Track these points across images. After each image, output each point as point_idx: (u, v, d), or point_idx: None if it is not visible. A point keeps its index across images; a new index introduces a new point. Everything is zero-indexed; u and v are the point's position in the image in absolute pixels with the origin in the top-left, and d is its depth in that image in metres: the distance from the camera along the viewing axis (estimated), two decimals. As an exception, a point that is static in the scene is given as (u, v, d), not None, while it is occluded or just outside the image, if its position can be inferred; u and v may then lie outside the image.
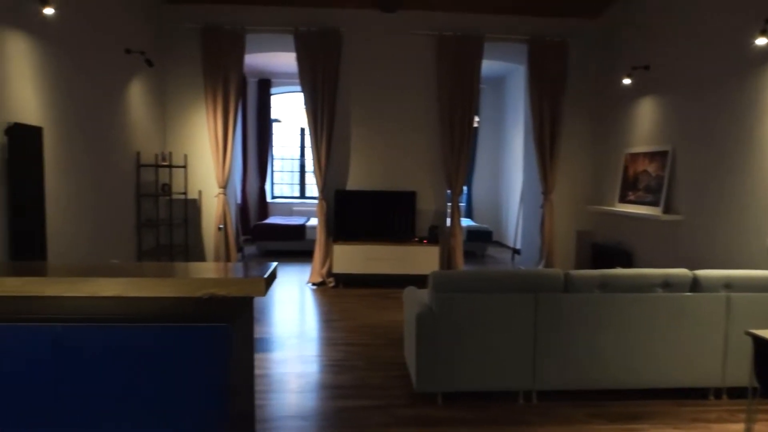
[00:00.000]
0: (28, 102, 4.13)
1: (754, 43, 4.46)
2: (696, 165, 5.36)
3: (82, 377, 2.18)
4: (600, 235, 7.26)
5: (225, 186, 6.87)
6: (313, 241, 7.45)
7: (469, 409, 3.43)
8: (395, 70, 7.11)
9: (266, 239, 9.31)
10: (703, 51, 5.29)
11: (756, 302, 3.52)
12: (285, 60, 9.27)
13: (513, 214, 10.52)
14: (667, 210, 5.76)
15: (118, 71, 5.78)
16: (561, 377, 3.46)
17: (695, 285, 3.55)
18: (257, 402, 3.36)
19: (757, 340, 2.82)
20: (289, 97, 11.62)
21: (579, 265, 7.52)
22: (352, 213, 7.01)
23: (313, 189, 11.38)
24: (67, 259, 4.56)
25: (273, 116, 11.39)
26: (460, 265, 7.06)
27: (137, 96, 6.23)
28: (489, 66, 8.32)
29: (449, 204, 7.27)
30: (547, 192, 7.18)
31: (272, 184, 11.76)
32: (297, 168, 11.83)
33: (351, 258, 6.73)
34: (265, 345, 4.58)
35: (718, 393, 3.62)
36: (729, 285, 3.55)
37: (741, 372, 3.55)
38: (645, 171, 6.15)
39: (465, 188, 10.35)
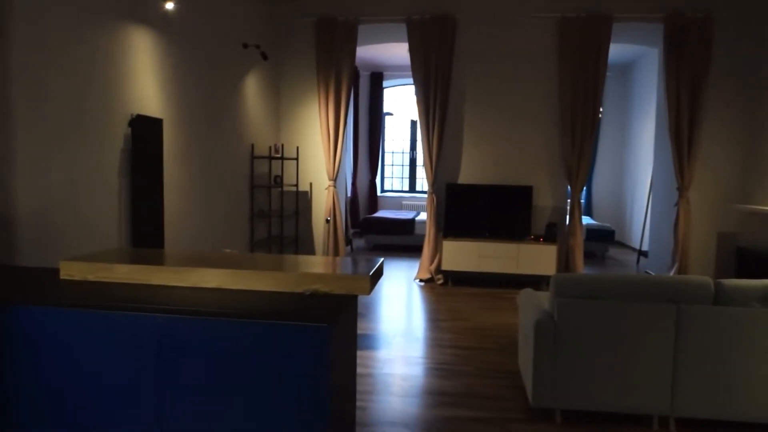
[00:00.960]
0: (150, 94, 4.27)
1: None
2: None
3: (178, 371, 2.10)
4: (748, 238, 6.38)
5: (335, 179, 6.84)
6: (422, 236, 7.24)
7: (593, 431, 3.04)
8: (512, 57, 6.69)
9: (375, 233, 9.24)
10: None
11: None
12: (397, 52, 9.14)
13: (639, 212, 9.65)
14: (837, 211, 4.89)
15: (235, 65, 5.90)
16: (706, 404, 2.96)
17: None
18: (359, 404, 3.19)
19: None
20: (401, 90, 11.49)
21: (720, 273, 6.68)
22: (464, 208, 6.70)
23: (423, 183, 11.18)
24: (183, 247, 4.70)
25: (385, 110, 11.33)
26: (580, 266, 6.52)
27: (252, 89, 6.35)
28: (615, 51, 7.62)
29: (569, 200, 6.74)
30: (683, 188, 6.42)
31: (383, 177, 11.72)
32: (407, 162, 11.69)
33: (461, 255, 6.43)
34: (369, 342, 4.43)
35: None
36: None
37: None
38: (808, 165, 5.27)
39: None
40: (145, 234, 4.11)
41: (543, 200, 6.74)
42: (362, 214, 10.73)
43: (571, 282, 3.00)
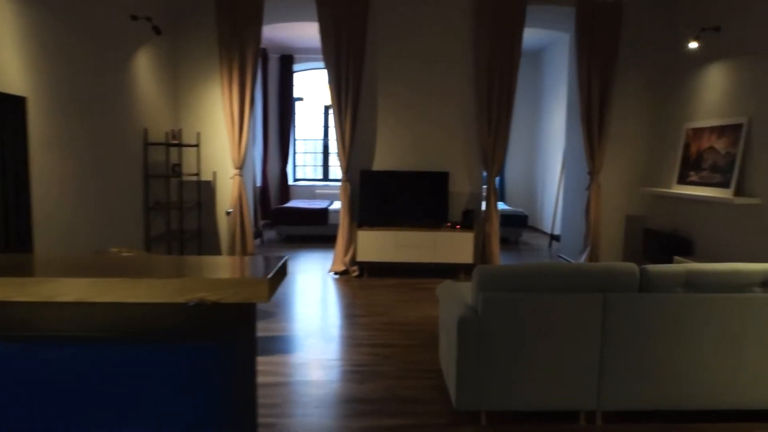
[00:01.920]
0: (10, 69, 3.61)
1: None
2: (777, 140, 4.62)
3: (33, 400, 1.65)
4: (654, 220, 6.54)
5: (241, 167, 6.34)
6: (336, 226, 6.89)
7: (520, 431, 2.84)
8: (428, 39, 6.45)
9: (287, 224, 8.79)
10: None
11: None
12: (308, 33, 8.68)
13: (550, 197, 9.81)
14: (739, 192, 5.04)
15: (123, 39, 5.24)
16: (632, 395, 2.84)
17: (804, 284, 2.88)
18: (266, 421, 2.82)
19: None
20: (313, 74, 11.03)
21: (629, 255, 6.82)
22: (379, 196, 6.42)
23: (337, 171, 10.82)
24: (61, 249, 4.08)
25: (296, 95, 10.83)
26: (497, 253, 6.43)
27: (145, 67, 5.70)
28: (527, 37, 7.57)
29: (484, 186, 6.63)
30: (594, 172, 6.47)
31: (294, 166, 11.23)
32: (320, 149, 11.28)
33: (377, 245, 6.15)
34: (279, 345, 4.05)
35: (826, 415, 2.96)
36: None
37: None
38: (711, 148, 5.41)
39: (499, 170, 9.63)
40: (6, 236, 3.48)
41: (459, 186, 6.58)
42: (273, 204, 10.22)
43: (496, 274, 2.77)
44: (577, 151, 7.06)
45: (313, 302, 5.37)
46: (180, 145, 6.00)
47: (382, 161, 6.54)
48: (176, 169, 6.04)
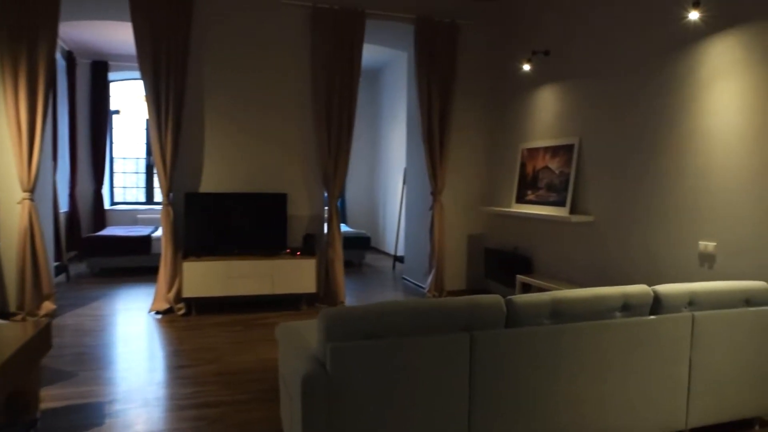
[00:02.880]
0: None
1: (686, 17, 3.91)
2: (607, 159, 4.78)
3: None
4: (494, 239, 6.59)
5: (32, 189, 5.19)
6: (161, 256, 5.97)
7: (381, 504, 2.37)
8: (261, 52, 5.87)
9: (101, 255, 7.55)
10: (612, 33, 4.72)
11: (720, 320, 2.86)
12: (124, 37, 7.65)
13: (392, 217, 9.69)
14: (573, 210, 5.16)
15: None
16: (502, 441, 2.52)
17: (657, 305, 2.80)
18: None
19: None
20: (133, 85, 9.84)
21: (473, 275, 6.81)
22: (207, 221, 5.65)
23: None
24: None
25: (112, 107, 9.55)
26: (341, 280, 6.00)
27: None
28: (365, 56, 7.37)
29: (326, 208, 6.19)
30: (436, 192, 6.36)
31: (112, 187, 9.87)
32: (143, 168, 10.06)
33: (206, 277, 5.38)
34: (74, 419, 3.17)
35: (680, 439, 2.91)
36: (692, 302, 2.86)
37: (706, 411, 2.87)
38: (546, 167, 5.53)
39: (340, 190, 9.28)
40: None
41: (299, 209, 6.06)
42: (85, 232, 8.82)
43: (346, 319, 2.28)
44: (419, 171, 6.94)
45: (126, 353, 4.44)
46: (-57, 163, 4.73)
47: (211, 182, 5.79)
48: (-62, 194, 4.74)
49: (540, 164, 5.63)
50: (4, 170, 5.24)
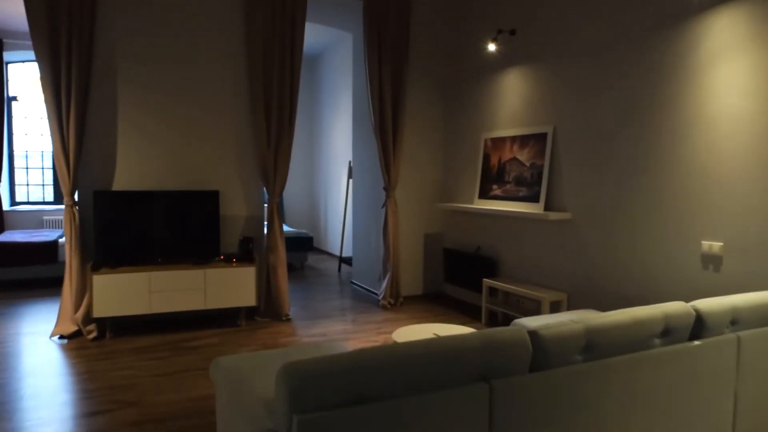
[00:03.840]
0: None
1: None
2: (587, 150, 4.27)
3: None
4: (454, 239, 6.01)
5: None
6: (63, 269, 4.99)
7: None
8: (186, 37, 4.97)
9: (-5, 265, 6.41)
10: (593, 6, 4.20)
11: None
12: (22, 9, 6.51)
13: (335, 215, 8.97)
14: (548, 207, 4.64)
15: None
16: None
17: (699, 326, 2.25)
18: None
19: None
20: (34, 67, 8.58)
21: (431, 280, 6.21)
22: (123, 225, 4.73)
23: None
24: None
25: (10, 93, 8.29)
26: (285, 289, 5.23)
27: None
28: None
29: (266, 206, 5.41)
30: (389, 188, 5.70)
31: (12, 185, 8.60)
32: (50, 164, 8.83)
33: (123, 292, 4.48)
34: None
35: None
36: (735, 321, 2.34)
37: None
38: (514, 159, 4.98)
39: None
40: None
41: (234, 208, 5.24)
42: (-23, 237, 7.56)
43: (320, 379, 1.56)
44: (368, 164, 6.26)
45: (15, 400, 3.50)
46: None
47: (127, 178, 4.87)
48: None
49: (507, 155, 5.08)
50: None
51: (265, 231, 5.30)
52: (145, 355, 4.12)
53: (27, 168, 8.79)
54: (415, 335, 3.37)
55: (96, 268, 4.48)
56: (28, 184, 8.83)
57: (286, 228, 8.12)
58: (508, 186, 5.02)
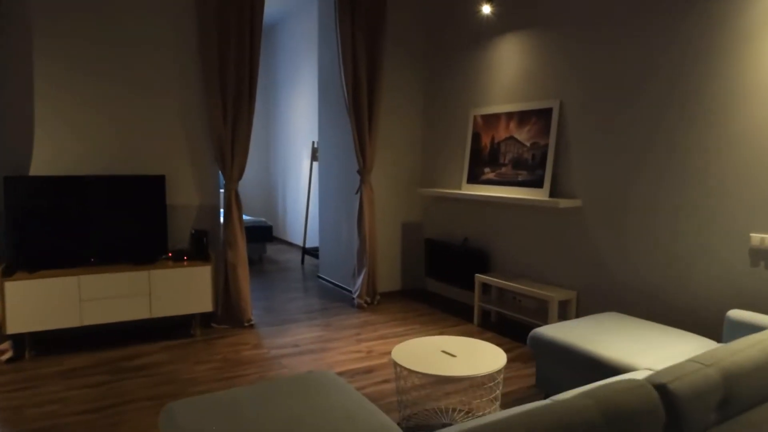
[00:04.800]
0: None
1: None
2: (601, 127, 3.68)
3: None
4: (436, 229, 5.37)
5: None
6: (-30, 272, 4.07)
7: None
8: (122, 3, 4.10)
9: None
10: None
11: None
12: None
13: (295, 201, 8.19)
14: (553, 193, 4.05)
15: None
16: None
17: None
18: None
19: None
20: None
21: (408, 274, 5.56)
22: (44, 218, 3.84)
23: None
24: None
25: None
26: (246, 290, 4.47)
27: None
28: None
29: (222, 193, 4.62)
30: (365, 171, 5.00)
31: None
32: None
33: (45, 302, 3.63)
34: None
35: None
36: None
37: None
38: (511, 138, 4.36)
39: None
40: None
41: (184, 196, 4.42)
42: None
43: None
44: (338, 145, 5.53)
45: None
46: None
47: (48, 161, 3.98)
48: None
49: (502, 135, 4.46)
50: None
51: (222, 222, 4.51)
52: (76, 381, 3.31)
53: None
54: (418, 353, 2.72)
55: (8, 273, 3.60)
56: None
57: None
58: (503, 169, 4.41)
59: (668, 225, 3.31)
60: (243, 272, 4.46)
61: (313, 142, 7.01)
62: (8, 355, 3.63)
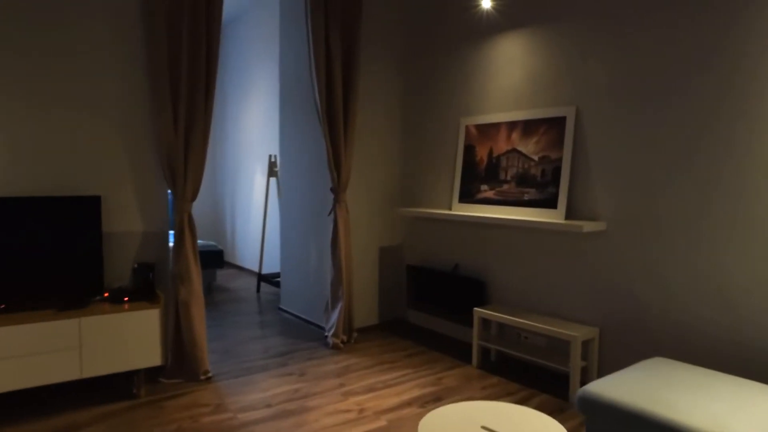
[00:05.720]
0: None
1: None
2: (629, 138, 3.18)
3: None
4: (420, 254, 4.74)
5: None
6: None
7: None
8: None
9: None
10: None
11: None
12: None
13: (247, 221, 7.38)
14: (570, 214, 3.51)
15: None
16: None
17: None
18: None
19: None
20: None
21: (387, 305, 4.91)
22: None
23: None
24: None
25: None
26: (202, 335, 3.67)
27: None
28: None
29: (171, 217, 3.83)
30: (340, 189, 4.32)
31: None
32: None
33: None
34: None
35: None
36: None
37: None
38: (514, 151, 3.81)
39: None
40: None
41: (125, 222, 3.60)
42: None
43: None
44: (305, 158, 4.83)
45: None
46: None
47: (-53, 178, 3.09)
48: None
49: (502, 147, 3.90)
50: None
51: (172, 252, 3.71)
52: (-24, 477, 2.45)
53: None
54: (455, 430, 2.07)
55: None
56: None
57: (187, 240, 6.42)
58: (505, 186, 3.84)
59: (717, 249, 2.82)
60: (198, 312, 3.67)
61: (271, 156, 6.25)
62: None
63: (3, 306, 3.07)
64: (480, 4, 3.98)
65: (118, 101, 3.50)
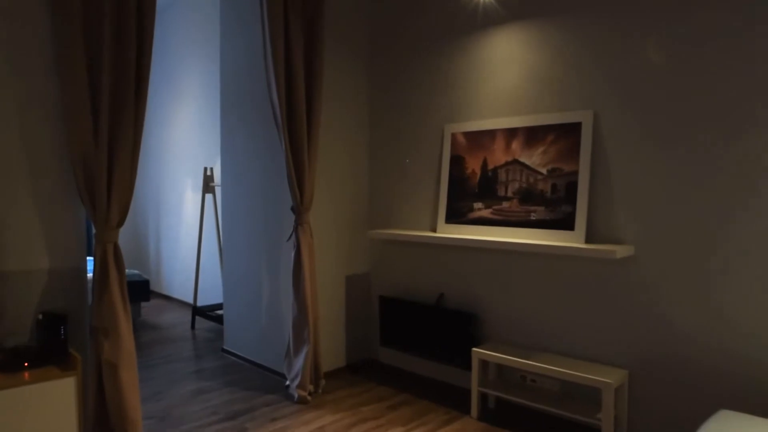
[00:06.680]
0: None
1: None
2: (663, 144, 2.68)
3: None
4: (394, 284, 4.07)
5: None
6: None
7: None
8: None
9: None
10: None
11: None
12: None
13: (174, 247, 6.44)
14: (590, 237, 2.97)
15: None
16: None
17: None
18: None
19: None
20: None
21: (356, 344, 4.21)
22: None
23: None
24: None
25: None
26: (137, 408, 2.82)
27: None
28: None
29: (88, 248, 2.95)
30: (303, 209, 3.59)
31: None
32: None
33: None
34: None
35: None
36: None
37: None
38: (516, 163, 3.24)
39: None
40: None
41: (22, 258, 2.69)
42: None
43: None
44: (254, 171, 4.06)
45: None
46: None
47: None
48: None
49: (500, 158, 3.32)
50: None
51: (92, 296, 2.83)
52: None
53: None
54: None
55: None
56: None
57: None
58: (505, 204, 3.26)
59: (756, 275, 2.35)
60: (129, 377, 2.81)
61: (206, 169, 5.40)
62: None
63: None
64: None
65: (20, 107, 2.61)
